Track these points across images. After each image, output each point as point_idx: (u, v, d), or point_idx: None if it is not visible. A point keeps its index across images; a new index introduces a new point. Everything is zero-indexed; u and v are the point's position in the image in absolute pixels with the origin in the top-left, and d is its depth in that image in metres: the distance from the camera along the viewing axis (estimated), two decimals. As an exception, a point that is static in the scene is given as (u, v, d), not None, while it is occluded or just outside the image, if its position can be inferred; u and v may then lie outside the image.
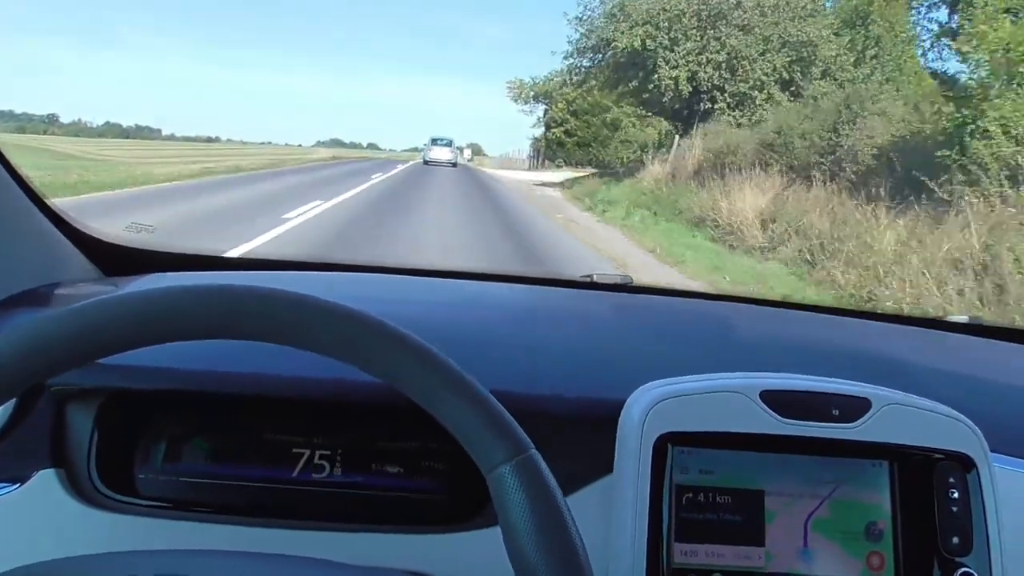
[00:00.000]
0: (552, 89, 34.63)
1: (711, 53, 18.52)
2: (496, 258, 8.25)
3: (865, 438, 0.76)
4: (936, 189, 8.28)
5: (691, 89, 18.95)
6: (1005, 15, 9.50)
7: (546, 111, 39.30)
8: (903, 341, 1.24)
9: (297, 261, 1.41)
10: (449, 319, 1.03)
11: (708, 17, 18.56)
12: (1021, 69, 8.72)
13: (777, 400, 0.76)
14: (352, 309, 0.55)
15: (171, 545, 0.72)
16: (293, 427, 0.83)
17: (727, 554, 0.74)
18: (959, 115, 8.97)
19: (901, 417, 0.77)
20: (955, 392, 0.86)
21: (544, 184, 22.73)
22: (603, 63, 21.56)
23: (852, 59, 17.91)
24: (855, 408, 0.76)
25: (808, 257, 8.49)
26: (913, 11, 18.94)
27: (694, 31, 18.63)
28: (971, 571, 0.74)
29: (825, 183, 10.66)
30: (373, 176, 20.75)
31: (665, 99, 19.26)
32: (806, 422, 0.75)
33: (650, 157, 18.48)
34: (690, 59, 18.63)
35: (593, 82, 23.70)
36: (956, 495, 0.76)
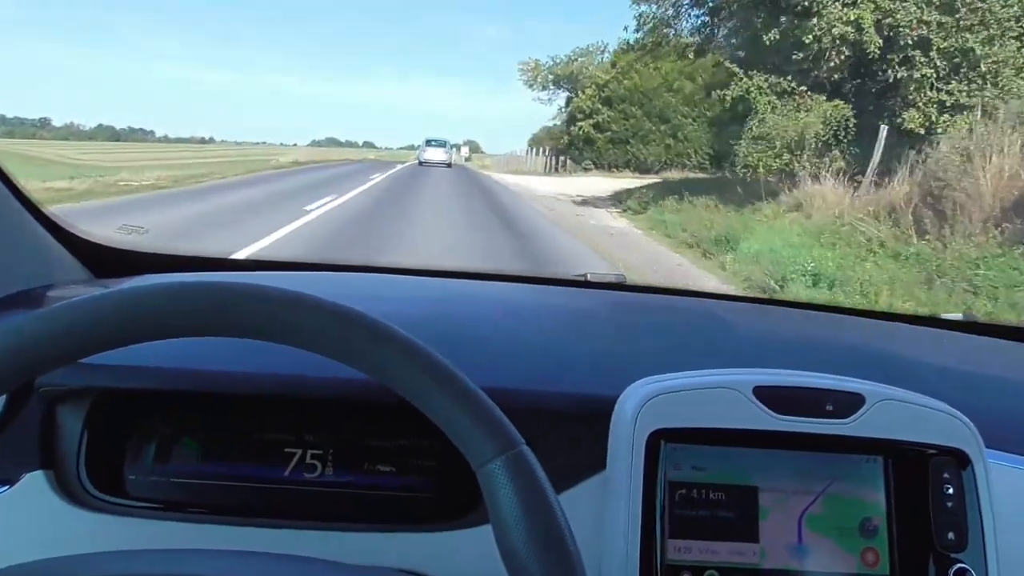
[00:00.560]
0: (578, 70, 29.80)
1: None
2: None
3: (859, 434, 0.76)
4: None
5: (880, 44, 10.98)
6: None
7: (569, 99, 33.23)
8: (897, 338, 1.24)
9: (290, 262, 1.41)
10: (441, 316, 1.03)
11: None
12: None
13: (770, 396, 0.75)
14: (341, 305, 0.55)
15: (162, 546, 0.71)
16: (284, 426, 0.83)
17: (721, 550, 0.74)
18: None
19: (895, 413, 0.77)
20: (949, 388, 0.86)
21: (585, 201, 15.93)
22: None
23: None
24: (849, 404, 0.76)
25: None
26: None
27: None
28: (966, 567, 0.73)
29: None
30: (320, 201, 12.13)
31: (829, 63, 11.42)
32: (800, 418, 0.75)
33: (811, 164, 11.09)
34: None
35: (677, 40, 15.54)
36: (951, 491, 0.76)
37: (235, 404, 0.83)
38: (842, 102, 11.97)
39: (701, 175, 22.24)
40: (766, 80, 12.55)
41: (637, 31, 16.28)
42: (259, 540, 0.77)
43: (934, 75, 10.96)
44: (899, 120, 11.21)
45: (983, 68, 10.73)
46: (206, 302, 0.54)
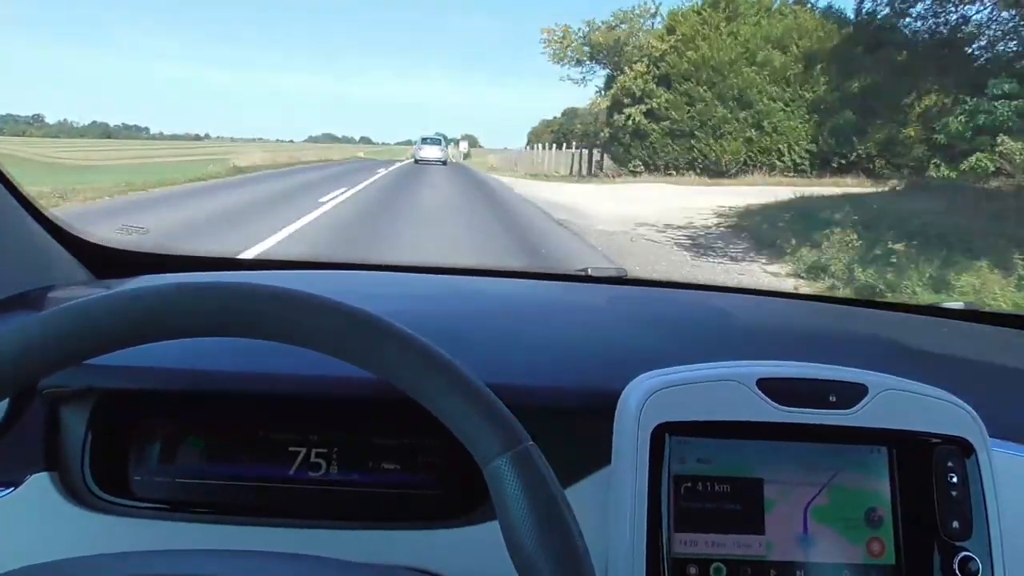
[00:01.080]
0: (624, 39, 21.58)
1: None
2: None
3: (863, 424, 0.76)
4: None
5: None
6: None
7: (610, 78, 23.90)
8: (899, 328, 1.24)
9: (291, 261, 1.40)
10: (444, 313, 1.03)
11: None
12: None
13: (774, 388, 0.76)
14: (344, 304, 0.55)
15: (168, 546, 0.70)
16: (288, 425, 0.83)
17: (727, 543, 0.74)
18: None
19: (898, 402, 0.77)
20: (953, 378, 0.85)
21: (692, 241, 9.44)
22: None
23: None
24: (852, 394, 0.76)
25: None
26: None
27: None
28: (971, 555, 0.73)
29: None
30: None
31: None
32: (803, 409, 0.75)
33: None
34: None
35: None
36: (955, 480, 0.76)
37: (239, 403, 0.83)
38: None
39: (798, 178, 18.30)
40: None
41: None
42: (265, 539, 0.77)
43: None
44: None
45: None
46: (209, 302, 0.54)
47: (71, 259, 1.14)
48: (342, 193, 14.29)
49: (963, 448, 0.77)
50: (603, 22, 21.66)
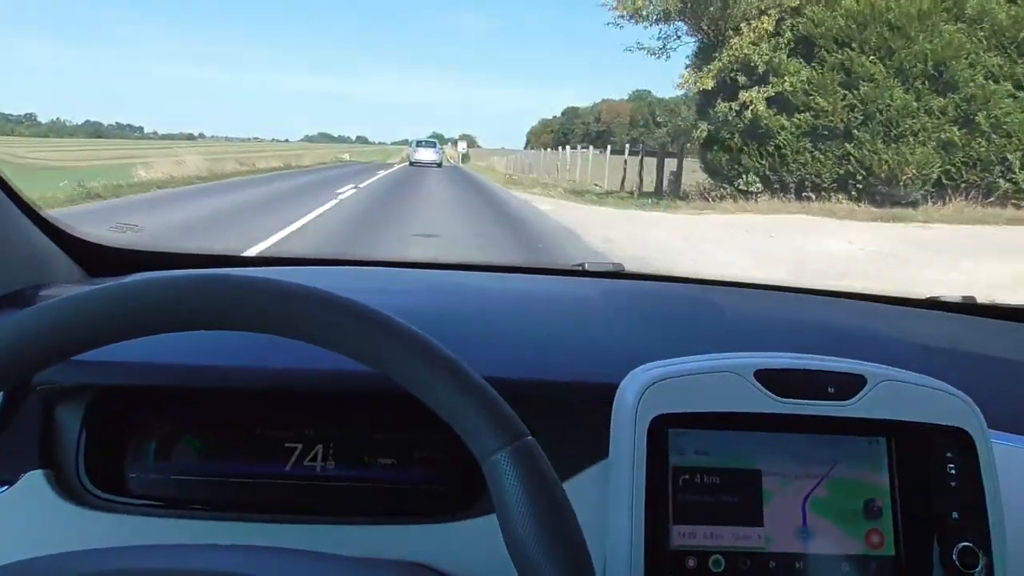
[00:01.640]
0: None
1: None
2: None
3: (861, 415, 0.75)
4: None
5: None
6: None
7: (703, 46, 15.30)
8: (897, 321, 1.24)
9: (288, 257, 1.40)
10: (441, 307, 1.03)
11: None
12: None
13: (772, 379, 0.75)
14: (340, 296, 0.54)
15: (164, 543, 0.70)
16: (284, 421, 0.83)
17: (726, 535, 0.74)
18: None
19: (897, 393, 0.76)
20: (951, 369, 0.85)
21: None
22: None
23: None
24: (850, 385, 0.76)
25: None
26: None
27: None
28: (971, 546, 0.73)
29: None
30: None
31: None
32: (801, 400, 0.75)
33: None
34: None
35: None
36: (954, 471, 0.75)
37: (235, 399, 0.83)
38: None
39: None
40: None
41: None
42: (262, 536, 0.76)
43: None
44: None
45: None
46: (204, 295, 0.53)
47: (64, 257, 1.14)
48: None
49: (962, 439, 0.76)
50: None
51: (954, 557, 0.73)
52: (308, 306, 0.54)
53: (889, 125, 13.35)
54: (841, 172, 13.78)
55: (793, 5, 14.05)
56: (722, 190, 14.92)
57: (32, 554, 0.60)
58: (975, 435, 0.76)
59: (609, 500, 0.75)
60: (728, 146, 14.80)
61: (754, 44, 14.29)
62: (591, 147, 23.87)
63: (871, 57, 13.47)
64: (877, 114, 13.45)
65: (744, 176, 14.58)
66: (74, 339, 0.53)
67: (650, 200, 15.43)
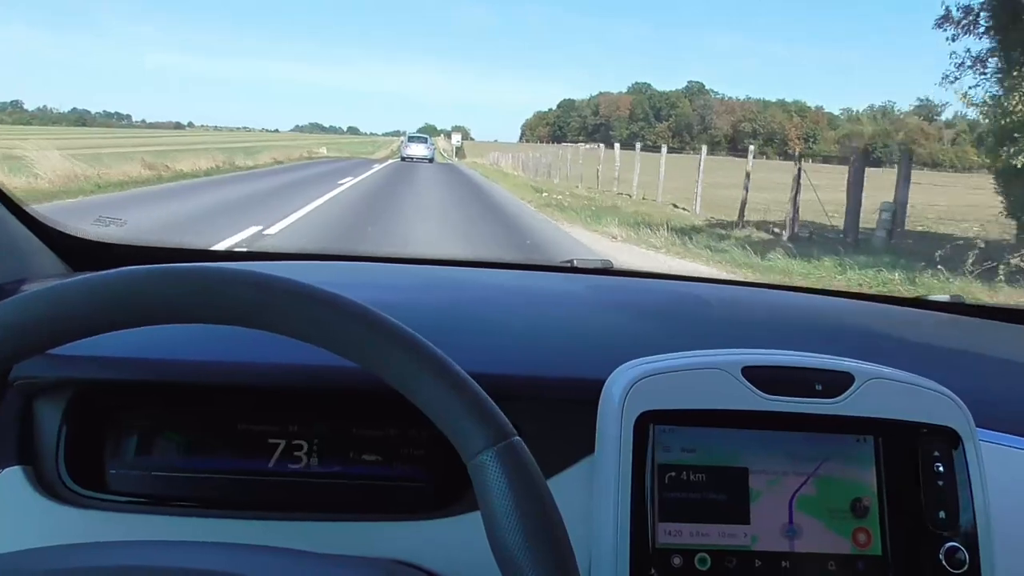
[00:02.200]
0: None
1: None
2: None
3: (849, 413, 0.75)
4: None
5: None
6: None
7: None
8: (885, 320, 1.24)
9: (273, 252, 1.39)
10: (428, 303, 1.02)
11: None
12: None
13: (759, 376, 0.75)
14: (324, 291, 0.53)
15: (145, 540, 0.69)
16: (268, 417, 0.82)
17: (712, 533, 0.73)
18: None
19: (884, 391, 0.76)
20: (939, 368, 0.85)
21: None
22: None
23: None
24: (838, 383, 0.76)
25: None
26: None
27: None
28: (957, 545, 0.73)
29: None
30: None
31: None
32: (789, 398, 0.75)
33: None
34: None
35: None
36: (942, 469, 0.75)
37: (217, 395, 0.82)
38: None
39: None
40: None
41: None
42: (244, 533, 0.75)
43: None
44: None
45: None
46: (188, 287, 0.52)
47: (47, 251, 1.13)
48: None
49: (950, 438, 0.76)
50: None
51: (941, 556, 0.73)
52: (293, 301, 0.53)
53: None
54: None
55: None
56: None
57: (10, 550, 0.59)
58: (963, 434, 0.76)
59: (594, 497, 0.74)
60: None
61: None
62: (637, 144, 19.43)
63: None
64: None
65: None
66: (55, 331, 0.52)
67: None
